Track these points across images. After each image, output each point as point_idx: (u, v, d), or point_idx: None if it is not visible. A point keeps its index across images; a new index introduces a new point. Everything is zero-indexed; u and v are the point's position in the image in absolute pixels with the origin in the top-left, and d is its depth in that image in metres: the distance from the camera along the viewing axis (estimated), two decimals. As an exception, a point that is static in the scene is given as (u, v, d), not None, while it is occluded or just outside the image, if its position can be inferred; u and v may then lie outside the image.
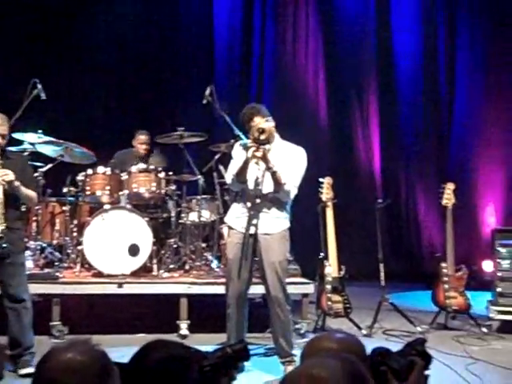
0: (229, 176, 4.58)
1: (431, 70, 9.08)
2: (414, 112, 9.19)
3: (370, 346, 1.89)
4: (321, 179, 5.93)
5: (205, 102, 5.89)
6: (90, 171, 6.15)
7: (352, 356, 1.58)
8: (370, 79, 9.17)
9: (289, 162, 4.46)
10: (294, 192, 4.50)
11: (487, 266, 7.36)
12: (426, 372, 1.92)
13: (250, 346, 4.88)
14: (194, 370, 1.70)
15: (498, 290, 5.96)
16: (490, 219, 8.67)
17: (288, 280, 4.86)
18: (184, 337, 5.46)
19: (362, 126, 9.16)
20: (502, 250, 6.01)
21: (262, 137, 4.29)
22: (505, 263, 5.98)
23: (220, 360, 1.83)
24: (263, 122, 4.44)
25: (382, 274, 6.23)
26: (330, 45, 9.21)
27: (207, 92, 5.88)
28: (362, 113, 9.16)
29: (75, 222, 6.26)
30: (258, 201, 4.30)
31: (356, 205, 8.57)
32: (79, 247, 5.94)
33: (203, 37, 9.13)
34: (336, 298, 5.76)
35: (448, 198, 6.12)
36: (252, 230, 4.32)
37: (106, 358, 1.54)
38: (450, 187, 6.17)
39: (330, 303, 5.73)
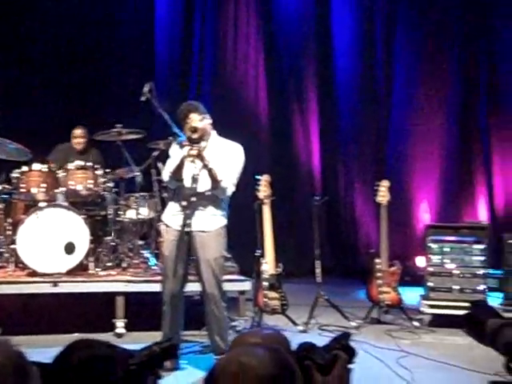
0: (165, 174, 4.59)
1: (369, 70, 9.24)
2: (352, 111, 9.32)
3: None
4: (258, 177, 5.99)
5: (143, 99, 5.82)
6: (25, 168, 6.05)
7: (279, 346, 1.61)
8: (309, 78, 9.27)
9: (225, 158, 4.50)
10: (231, 189, 4.54)
11: (420, 261, 7.56)
12: (350, 365, 1.98)
13: (186, 344, 4.93)
14: (119, 369, 1.70)
15: (429, 284, 6.14)
16: (424, 216, 8.88)
17: (225, 277, 4.90)
18: (120, 335, 5.43)
19: (302, 124, 9.26)
20: (434, 246, 6.20)
21: (195, 136, 4.31)
22: (436, 258, 6.16)
23: (146, 358, 1.83)
24: (199, 120, 4.47)
25: (318, 271, 6.33)
26: (271, 45, 9.27)
27: (146, 89, 5.82)
28: (301, 112, 9.25)
29: (9, 220, 6.14)
30: (193, 198, 4.33)
31: (295, 202, 8.68)
32: (13, 246, 5.83)
33: (144, 34, 9.06)
34: (273, 294, 5.82)
35: (382, 195, 6.25)
36: (188, 228, 4.34)
37: (22, 358, 1.53)
38: (384, 185, 6.30)
39: (266, 300, 5.79)
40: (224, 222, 4.60)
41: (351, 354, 1.98)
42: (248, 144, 8.70)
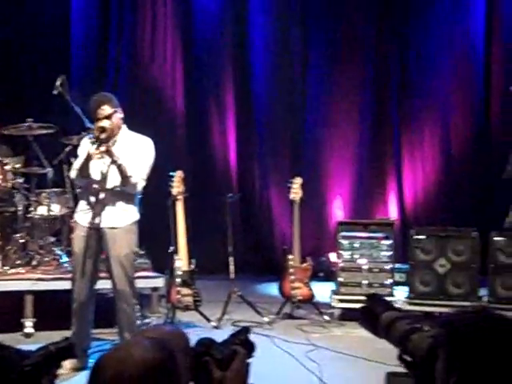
0: (73, 170, 4.52)
1: (285, 67, 9.36)
2: (268, 108, 9.42)
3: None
4: (171, 173, 5.98)
5: (55, 92, 5.73)
6: None
7: (167, 340, 1.62)
8: (226, 75, 9.31)
9: (135, 153, 4.47)
10: (141, 184, 4.52)
11: (333, 257, 7.73)
12: (249, 360, 2.02)
13: (97, 342, 4.87)
14: (12, 371, 1.68)
15: (340, 279, 6.30)
16: (337, 212, 9.08)
17: (138, 274, 4.88)
18: (29, 335, 5.32)
19: (218, 120, 9.28)
20: (344, 242, 6.36)
21: (103, 136, 4.25)
22: (346, 254, 6.33)
23: (41, 359, 1.81)
24: (111, 112, 4.41)
25: (232, 267, 6.39)
26: (188, 41, 9.25)
27: (58, 82, 5.72)
28: (218, 108, 9.28)
29: None
30: (102, 195, 4.28)
31: (210, 199, 8.69)
32: None
33: (58, 26, 8.83)
34: (186, 291, 5.83)
35: (295, 192, 6.36)
36: (97, 224, 4.29)
37: None
38: (297, 182, 6.41)
39: (179, 297, 5.79)
40: (135, 217, 4.57)
41: (250, 348, 2.01)
42: (164, 140, 8.71)
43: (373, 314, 2.20)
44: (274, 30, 9.26)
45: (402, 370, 3.46)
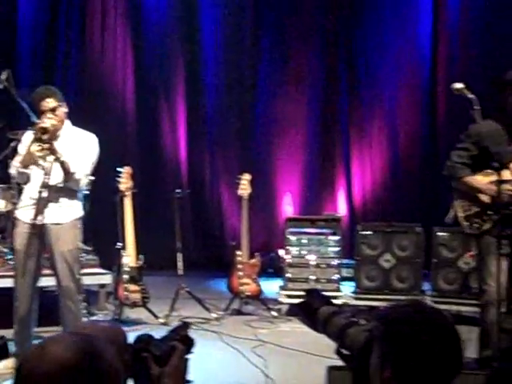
0: (13, 167, 4.44)
1: (236, 65, 9.37)
2: (219, 104, 9.42)
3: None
4: (119, 169, 5.93)
5: (1, 87, 5.64)
6: None
7: (98, 337, 1.61)
8: (177, 70, 9.27)
9: (79, 149, 4.41)
10: (84, 180, 4.47)
11: (282, 253, 7.78)
12: (188, 356, 2.02)
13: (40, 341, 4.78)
14: None
15: (288, 275, 6.36)
16: (287, 209, 9.14)
17: (85, 271, 4.83)
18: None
19: (168, 116, 9.24)
20: (292, 238, 6.42)
21: (45, 137, 4.17)
22: (294, 250, 6.39)
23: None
24: (55, 106, 4.34)
25: (180, 264, 6.38)
26: (138, 36, 9.17)
27: (3, 77, 5.62)
28: (168, 103, 9.23)
29: None
30: (45, 191, 4.21)
31: (159, 194, 8.65)
32: None
33: (3, 19, 8.66)
34: (133, 287, 5.79)
35: (244, 188, 6.39)
36: (40, 221, 4.23)
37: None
38: (246, 178, 6.44)
39: (127, 293, 5.75)
40: (79, 213, 4.52)
41: (189, 344, 2.02)
42: (113, 135, 8.62)
43: (311, 309, 2.23)
44: (225, 24, 9.25)
45: (331, 363, 3.53)
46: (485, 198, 4.11)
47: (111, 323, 2.11)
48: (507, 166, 4.03)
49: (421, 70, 8.96)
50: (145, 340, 1.93)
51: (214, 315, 6.08)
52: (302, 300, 2.40)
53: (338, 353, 2.09)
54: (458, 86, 3.80)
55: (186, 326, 2.07)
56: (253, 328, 5.75)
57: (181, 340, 2.00)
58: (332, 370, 2.90)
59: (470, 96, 3.67)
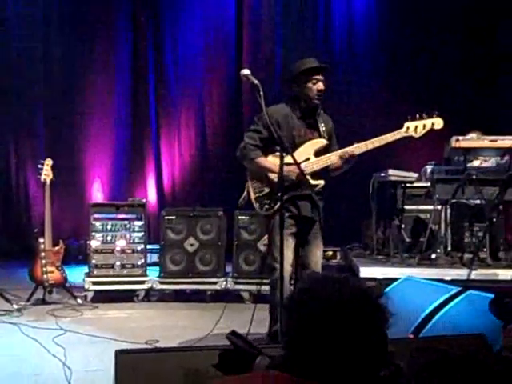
0: None
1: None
2: (24, 90, 9.07)
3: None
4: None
5: None
6: None
7: None
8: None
9: None
10: None
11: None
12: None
13: None
14: None
15: (93, 262, 6.29)
16: (97, 195, 9.02)
17: None
18: None
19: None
20: (97, 224, 6.35)
21: None
22: (99, 236, 6.33)
23: None
24: None
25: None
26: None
27: None
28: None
29: None
30: None
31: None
32: None
33: None
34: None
35: (46, 174, 6.21)
36: None
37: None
38: (47, 163, 6.26)
39: None
40: None
41: None
42: None
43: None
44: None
45: (133, 347, 3.57)
46: (274, 178, 4.28)
47: None
48: (295, 149, 4.26)
49: (226, 60, 9.23)
50: None
51: (15, 306, 5.85)
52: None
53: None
54: (245, 72, 3.93)
55: None
56: (56, 317, 5.62)
57: None
58: (120, 353, 2.91)
59: (256, 82, 3.81)
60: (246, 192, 4.50)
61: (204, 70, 9.18)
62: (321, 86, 4.33)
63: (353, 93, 9.13)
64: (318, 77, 4.33)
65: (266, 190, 4.39)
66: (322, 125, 4.46)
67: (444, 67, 9.17)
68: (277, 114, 4.32)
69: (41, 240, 6.14)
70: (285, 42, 8.79)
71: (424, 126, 4.39)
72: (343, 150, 4.34)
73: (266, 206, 4.36)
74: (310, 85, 4.33)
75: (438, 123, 4.42)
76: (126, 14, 9.12)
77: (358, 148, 4.32)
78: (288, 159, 3.91)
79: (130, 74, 9.13)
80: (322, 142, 4.44)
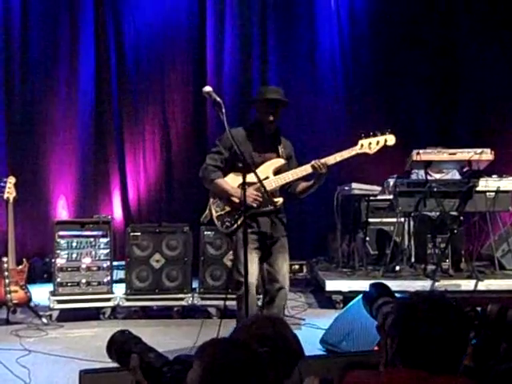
0: None
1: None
2: None
3: None
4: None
5: None
6: None
7: None
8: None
9: None
10: None
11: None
12: None
13: None
14: None
15: (58, 280, 6.23)
16: (62, 212, 8.95)
17: None
18: None
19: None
20: (62, 242, 6.29)
21: None
22: (64, 254, 6.27)
23: None
24: None
25: None
26: None
27: None
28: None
29: None
30: None
31: None
32: None
33: None
34: None
35: (9, 191, 6.18)
36: None
37: None
38: (10, 181, 6.23)
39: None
40: None
41: None
42: None
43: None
44: None
45: (100, 366, 3.56)
46: (234, 199, 4.40)
47: None
48: (255, 168, 4.33)
49: (193, 68, 9.30)
50: None
51: (-23, 328, 5.78)
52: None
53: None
54: (207, 89, 3.98)
55: None
56: (20, 337, 5.55)
57: None
58: (84, 373, 2.92)
59: (218, 100, 3.86)
60: (208, 210, 4.57)
61: (168, 84, 9.21)
62: (271, 118, 4.42)
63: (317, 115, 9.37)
64: (273, 110, 4.42)
65: (227, 208, 4.47)
66: (280, 146, 4.59)
67: (405, 83, 9.37)
68: (237, 135, 4.39)
69: (4, 259, 6.07)
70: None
71: (377, 143, 4.51)
72: (315, 160, 4.41)
73: (227, 224, 4.45)
74: (267, 114, 4.43)
75: (391, 139, 4.55)
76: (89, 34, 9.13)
77: (330, 160, 4.40)
78: (250, 177, 4.00)
79: (93, 89, 9.10)
80: (280, 162, 4.57)
